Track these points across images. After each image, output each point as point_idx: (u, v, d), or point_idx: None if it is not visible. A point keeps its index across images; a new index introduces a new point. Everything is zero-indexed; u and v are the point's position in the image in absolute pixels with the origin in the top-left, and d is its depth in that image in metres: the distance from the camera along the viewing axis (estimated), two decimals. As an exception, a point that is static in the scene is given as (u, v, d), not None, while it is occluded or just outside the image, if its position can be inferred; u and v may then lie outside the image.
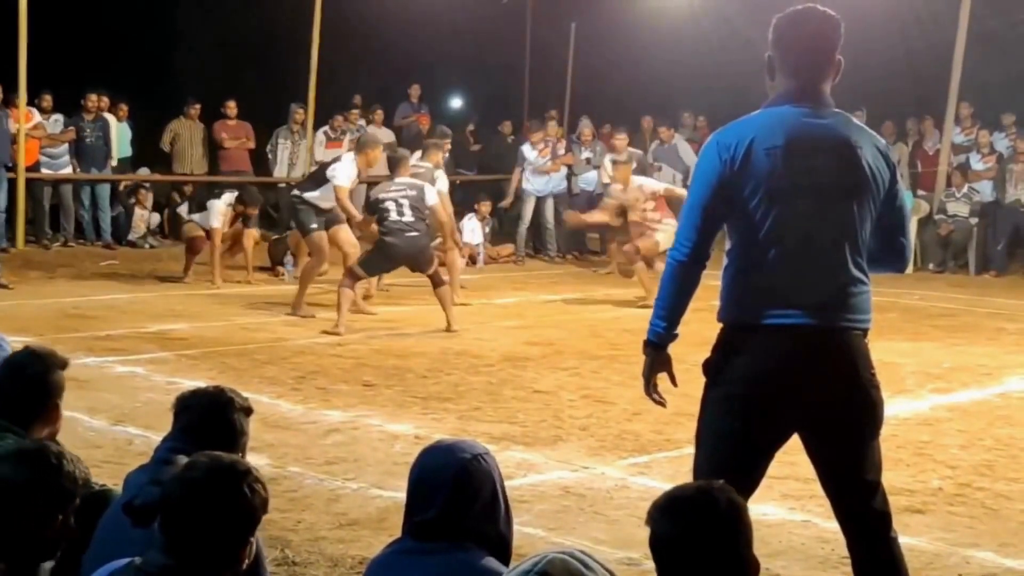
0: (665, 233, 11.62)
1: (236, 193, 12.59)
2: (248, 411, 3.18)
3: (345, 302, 9.53)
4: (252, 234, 12.40)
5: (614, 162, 13.06)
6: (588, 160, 16.37)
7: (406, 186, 9.75)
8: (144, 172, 16.27)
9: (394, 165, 10.20)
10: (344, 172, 10.22)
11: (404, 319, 10.36)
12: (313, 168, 13.91)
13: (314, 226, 10.51)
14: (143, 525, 2.51)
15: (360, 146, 10.50)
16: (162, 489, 2.41)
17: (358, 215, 10.35)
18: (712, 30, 17.84)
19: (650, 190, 11.87)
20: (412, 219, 9.57)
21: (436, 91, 21.09)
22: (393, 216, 9.54)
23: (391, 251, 9.64)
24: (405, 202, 9.57)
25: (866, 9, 13.87)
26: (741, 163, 3.34)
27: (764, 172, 3.34)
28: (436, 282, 9.77)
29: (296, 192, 10.90)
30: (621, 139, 14.78)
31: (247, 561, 2.41)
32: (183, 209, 13.05)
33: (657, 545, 2.38)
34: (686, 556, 2.35)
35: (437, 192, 10.46)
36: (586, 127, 16.91)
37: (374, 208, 9.77)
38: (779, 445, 3.49)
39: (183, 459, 2.55)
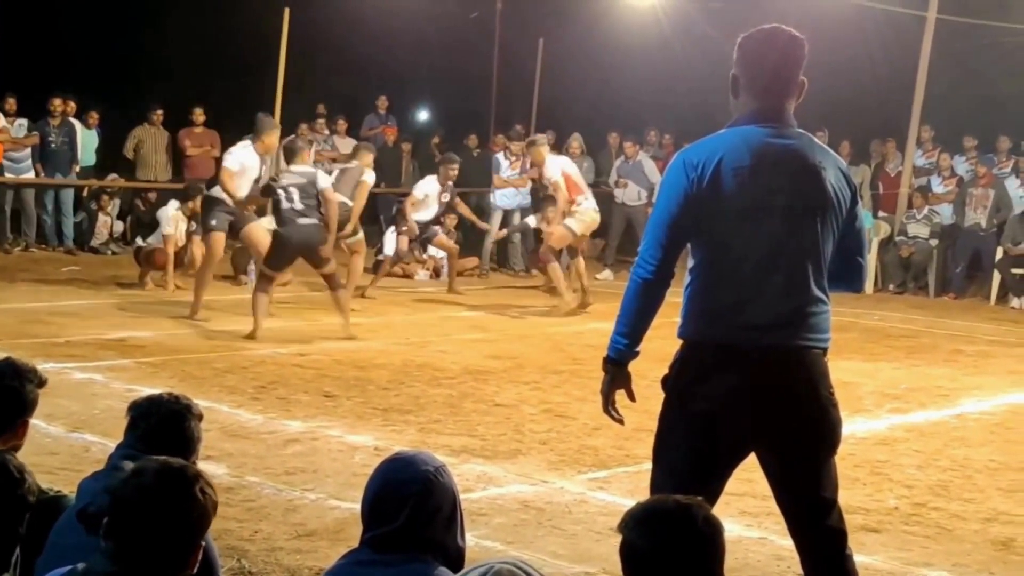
0: (575, 217, 11.62)
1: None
2: (200, 417, 3.20)
3: (259, 306, 9.45)
4: (197, 241, 12.31)
5: (528, 143, 12.65)
6: None
7: (297, 174, 9.71)
8: (113, 178, 16.14)
9: (289, 155, 10.18)
10: (232, 156, 10.33)
11: (366, 330, 10.33)
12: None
13: (213, 222, 10.60)
14: (96, 532, 2.49)
15: (256, 132, 10.45)
16: (110, 494, 2.38)
17: (238, 196, 10.27)
18: (680, 49, 17.95)
19: (551, 178, 11.77)
20: (302, 207, 9.52)
21: (404, 103, 21.08)
22: (284, 204, 9.52)
23: (283, 240, 9.59)
24: (295, 190, 9.53)
25: (833, 32, 14.01)
26: (709, 181, 3.35)
27: (731, 191, 3.35)
28: (332, 285, 9.73)
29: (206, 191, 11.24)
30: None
31: (196, 567, 2.39)
32: (140, 239, 13.14)
33: (629, 555, 2.38)
34: (658, 569, 2.35)
35: (360, 183, 11.29)
36: (575, 140, 16.72)
37: (266, 194, 9.90)
38: (738, 462, 3.50)
39: (129, 464, 2.53)
